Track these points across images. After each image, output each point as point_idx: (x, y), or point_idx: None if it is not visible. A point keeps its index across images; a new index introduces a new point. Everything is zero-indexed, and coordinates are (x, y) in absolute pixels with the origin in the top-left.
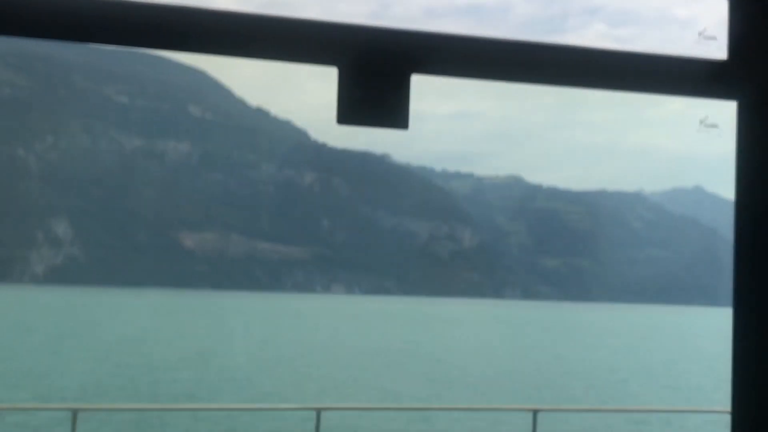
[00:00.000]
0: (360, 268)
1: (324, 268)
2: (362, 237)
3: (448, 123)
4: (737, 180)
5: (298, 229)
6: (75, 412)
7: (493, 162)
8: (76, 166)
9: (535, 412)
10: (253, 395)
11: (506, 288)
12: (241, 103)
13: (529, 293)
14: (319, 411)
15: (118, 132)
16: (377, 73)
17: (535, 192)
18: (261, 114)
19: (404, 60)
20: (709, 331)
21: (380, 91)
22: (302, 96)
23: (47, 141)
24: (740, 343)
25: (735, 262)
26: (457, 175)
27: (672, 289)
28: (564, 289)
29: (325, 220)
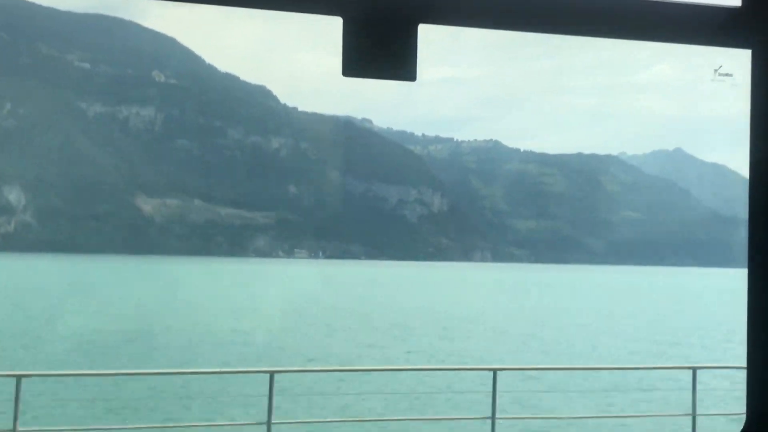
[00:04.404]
0: (325, 233)
1: (288, 234)
2: (329, 202)
3: (439, 88)
4: (751, 131)
5: (263, 194)
6: None
7: (476, 127)
8: (34, 132)
9: None
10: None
11: (475, 251)
12: (210, 69)
13: (499, 256)
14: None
15: (80, 98)
16: (383, 22)
17: (511, 155)
18: (230, 79)
19: (411, 9)
20: (693, 290)
21: (387, 42)
22: (283, 63)
23: (5, 108)
24: (755, 301)
25: (750, 217)
26: (437, 140)
27: (645, 250)
28: (536, 252)
29: (292, 186)
